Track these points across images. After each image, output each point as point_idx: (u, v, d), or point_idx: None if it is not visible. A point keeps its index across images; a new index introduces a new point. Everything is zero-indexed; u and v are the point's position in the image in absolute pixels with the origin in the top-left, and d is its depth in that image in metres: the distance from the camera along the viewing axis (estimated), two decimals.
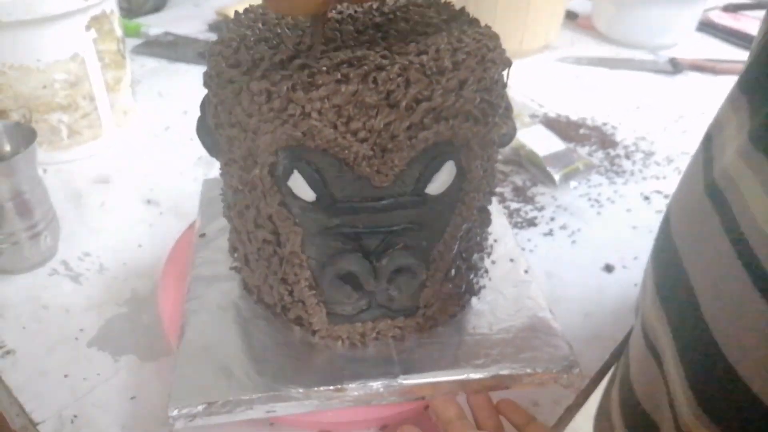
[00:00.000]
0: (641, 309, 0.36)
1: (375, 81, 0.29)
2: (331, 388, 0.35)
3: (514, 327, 0.39)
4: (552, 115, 0.77)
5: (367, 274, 0.33)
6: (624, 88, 0.85)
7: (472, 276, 0.41)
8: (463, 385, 0.36)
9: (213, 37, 0.97)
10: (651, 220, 0.60)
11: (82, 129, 0.66)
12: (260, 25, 0.35)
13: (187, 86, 0.83)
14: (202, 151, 0.68)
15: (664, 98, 0.82)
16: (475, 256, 0.40)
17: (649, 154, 0.70)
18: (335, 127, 0.29)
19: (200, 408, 0.33)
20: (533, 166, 0.65)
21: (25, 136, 0.50)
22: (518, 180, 0.64)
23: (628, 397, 0.37)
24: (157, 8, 1.18)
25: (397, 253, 0.33)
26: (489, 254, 0.44)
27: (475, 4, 0.87)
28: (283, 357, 0.37)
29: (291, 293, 0.36)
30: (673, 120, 0.77)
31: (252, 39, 0.34)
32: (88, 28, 0.62)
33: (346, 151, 0.30)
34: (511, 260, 0.45)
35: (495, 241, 0.46)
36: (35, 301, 0.49)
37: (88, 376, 0.43)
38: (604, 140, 0.72)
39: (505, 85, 0.35)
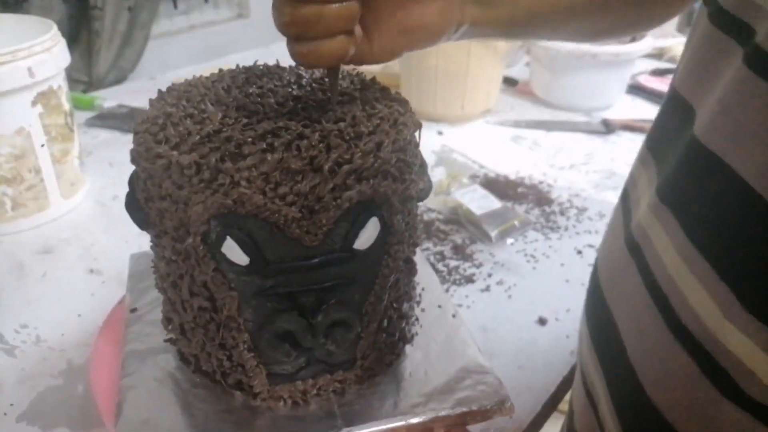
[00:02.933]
0: (579, 356, 0.38)
1: (298, 148, 0.32)
2: None
3: (447, 370, 0.41)
4: (492, 175, 0.80)
5: (304, 331, 0.35)
6: (559, 147, 0.90)
7: (404, 324, 0.42)
8: (407, 430, 0.37)
9: None
10: (583, 273, 0.62)
11: (27, 201, 0.66)
12: (184, 102, 0.37)
13: None
14: None
15: (596, 157, 0.87)
16: (405, 305, 0.42)
17: (582, 210, 0.73)
18: (264, 193, 0.31)
19: None
20: (471, 225, 0.67)
21: None
22: (458, 238, 0.67)
23: None
24: (118, 81, 1.22)
25: (332, 308, 0.35)
26: (418, 302, 0.46)
27: (417, 74, 0.92)
28: (225, 424, 0.37)
29: (230, 358, 0.37)
30: (605, 177, 0.82)
31: (177, 116, 0.36)
32: (34, 103, 0.64)
33: (276, 215, 0.32)
34: (439, 306, 0.47)
35: (423, 289, 0.47)
36: None
37: None
38: (540, 198, 0.75)
39: (417, 145, 0.38)
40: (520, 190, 0.77)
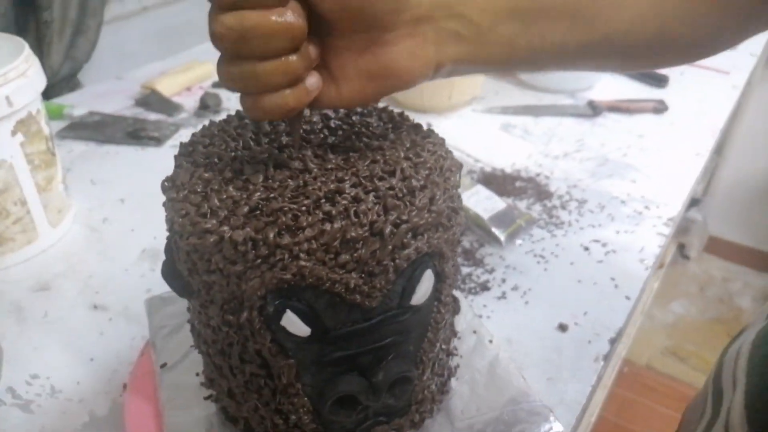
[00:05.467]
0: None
1: (357, 215, 0.30)
2: None
3: (497, 403, 0.41)
4: (488, 169, 0.80)
5: (365, 391, 0.34)
6: (550, 133, 0.90)
7: (450, 361, 0.42)
8: None
9: (141, 113, 0.96)
10: (593, 272, 0.63)
11: (14, 235, 0.63)
12: (216, 161, 0.35)
13: (120, 170, 0.81)
14: (146, 243, 0.67)
15: (587, 142, 0.87)
16: (452, 340, 0.42)
17: (582, 202, 0.74)
18: (324, 263, 0.30)
19: None
20: (478, 228, 0.67)
21: None
22: (466, 242, 0.66)
23: None
24: (72, 73, 1.15)
25: (390, 364, 0.34)
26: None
27: None
28: None
29: (286, 421, 0.36)
30: (599, 164, 0.82)
31: (216, 181, 0.33)
32: (14, 133, 0.60)
33: (337, 285, 0.31)
34: (474, 332, 0.47)
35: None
36: None
37: None
38: (539, 192, 0.76)
39: (458, 185, 0.37)
40: (518, 184, 0.77)
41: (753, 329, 0.40)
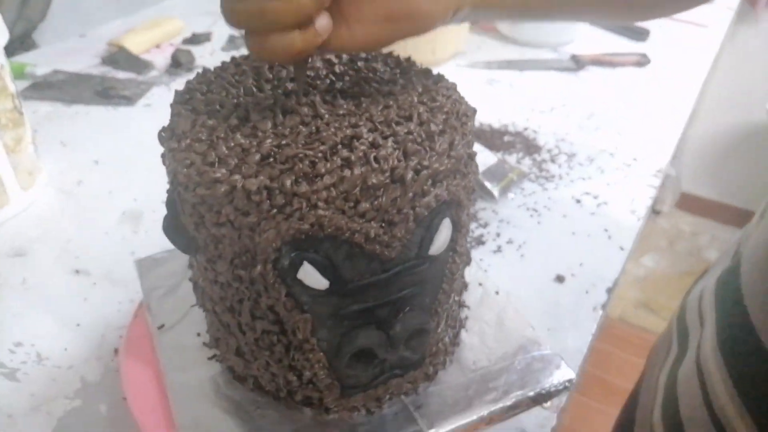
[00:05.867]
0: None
1: (377, 160, 0.29)
2: None
3: (508, 353, 0.40)
4: (476, 124, 0.78)
5: (383, 344, 0.33)
6: (535, 88, 0.88)
7: (461, 313, 0.42)
8: (485, 420, 0.37)
9: (109, 71, 0.91)
10: (586, 224, 0.63)
11: None
12: (219, 107, 0.32)
13: (91, 131, 0.77)
14: (125, 206, 0.64)
15: (573, 96, 0.87)
16: (463, 293, 0.41)
17: (571, 156, 0.73)
18: (344, 212, 0.29)
19: None
20: None
21: None
22: None
23: None
24: (26, 34, 1.09)
25: (407, 317, 0.33)
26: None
27: None
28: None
29: (300, 377, 0.35)
30: (586, 117, 0.82)
31: (222, 129, 0.30)
32: None
33: (357, 234, 0.29)
34: (480, 284, 0.46)
35: None
36: None
37: None
38: (528, 146, 0.75)
39: (473, 131, 0.36)
40: (506, 138, 0.76)
41: (716, 269, 0.41)
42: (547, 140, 0.76)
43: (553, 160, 0.72)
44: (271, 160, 0.28)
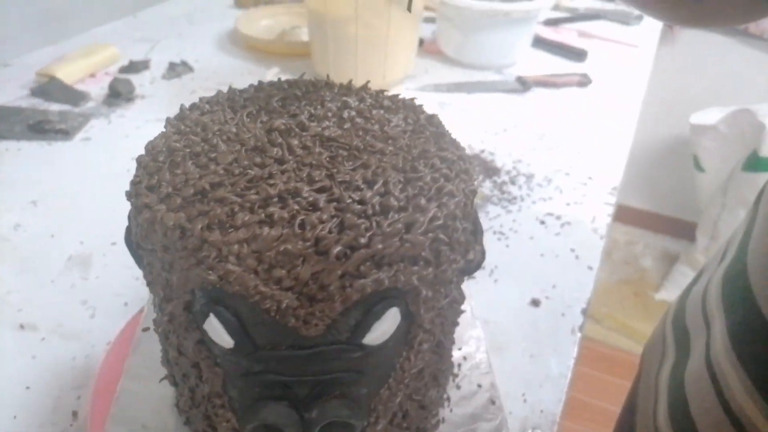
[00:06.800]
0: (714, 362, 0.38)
1: (302, 225, 0.26)
2: None
3: None
4: None
5: (293, 426, 0.29)
6: (486, 110, 0.90)
7: (426, 416, 0.36)
8: None
9: (40, 103, 0.85)
10: (554, 244, 0.63)
11: None
12: (199, 131, 0.30)
13: (26, 169, 0.71)
14: (72, 249, 0.60)
15: (522, 117, 0.88)
16: (432, 393, 0.36)
17: (529, 177, 0.74)
18: (256, 273, 0.25)
19: None
20: None
21: None
22: None
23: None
24: None
25: (330, 404, 0.29)
26: (456, 375, 0.40)
27: (335, 44, 0.86)
28: None
29: (214, 430, 0.32)
30: (537, 138, 0.83)
31: (181, 154, 0.29)
32: None
33: (268, 301, 0.26)
34: (479, 386, 0.40)
35: (464, 359, 0.41)
36: None
37: None
38: (487, 168, 0.75)
39: (470, 214, 0.32)
40: None
41: (710, 272, 0.42)
42: (504, 162, 0.77)
43: (512, 182, 0.73)
44: (200, 197, 0.26)
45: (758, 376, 0.32)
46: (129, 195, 0.29)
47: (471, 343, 0.42)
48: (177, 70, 0.96)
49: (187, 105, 0.34)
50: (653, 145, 1.85)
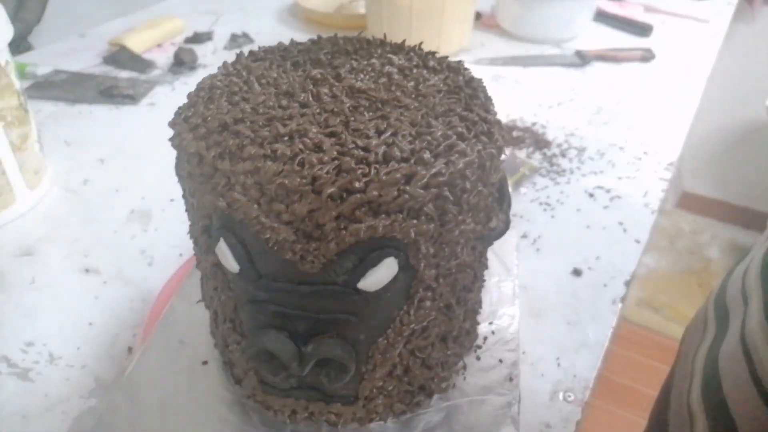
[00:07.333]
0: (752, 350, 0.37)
1: (302, 163, 0.26)
2: None
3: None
4: None
5: (290, 356, 0.30)
6: (541, 84, 0.88)
7: (431, 376, 0.36)
8: None
9: (111, 71, 0.90)
10: (601, 217, 0.62)
11: None
12: (245, 73, 0.33)
13: (95, 130, 0.76)
14: (134, 204, 0.64)
15: (579, 91, 0.86)
16: (438, 354, 0.35)
17: (581, 150, 0.73)
18: (258, 204, 0.27)
19: None
20: None
21: None
22: None
23: None
24: (22, 36, 1.07)
25: (326, 342, 0.30)
26: (479, 347, 0.40)
27: (389, 15, 0.87)
28: (218, 404, 0.36)
29: (231, 352, 0.35)
30: (593, 112, 0.81)
31: (219, 92, 0.32)
32: None
33: (268, 232, 0.27)
34: (500, 361, 0.39)
35: (493, 333, 0.40)
36: None
37: None
38: (537, 140, 0.74)
39: (498, 180, 0.32)
40: (515, 134, 0.76)
41: (757, 251, 0.41)
42: (556, 135, 0.76)
43: (563, 155, 0.72)
44: (220, 130, 0.28)
45: None
46: (171, 124, 0.32)
47: (504, 319, 0.42)
48: (238, 41, 0.99)
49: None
50: (724, 129, 1.76)
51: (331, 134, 0.28)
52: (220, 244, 0.29)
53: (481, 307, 0.41)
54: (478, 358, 0.39)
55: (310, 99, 0.30)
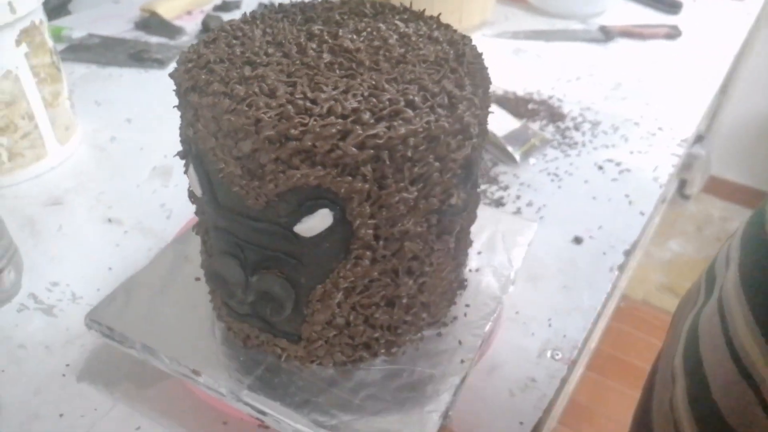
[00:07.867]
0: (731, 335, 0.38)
1: (250, 105, 0.28)
2: (190, 367, 0.37)
3: (387, 408, 0.35)
4: (500, 92, 0.79)
5: (236, 283, 0.34)
6: (562, 59, 0.88)
7: (376, 335, 0.37)
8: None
9: (141, 36, 0.93)
10: (608, 189, 0.63)
11: (23, 150, 0.62)
12: (258, 22, 0.37)
13: (124, 92, 0.79)
14: (156, 161, 0.67)
15: (600, 66, 0.86)
16: (381, 317, 0.36)
17: (595, 124, 0.73)
18: (216, 138, 0.30)
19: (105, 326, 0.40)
20: (493, 147, 0.66)
21: None
22: None
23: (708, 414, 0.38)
24: (62, 4, 1.11)
25: (269, 277, 0.33)
26: (435, 323, 0.40)
27: None
28: (188, 322, 0.41)
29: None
30: (612, 88, 0.81)
31: (224, 35, 0.35)
32: (18, 42, 0.58)
33: (221, 163, 0.30)
34: (460, 342, 0.39)
35: (465, 315, 0.41)
36: (9, 341, 0.47)
37: (85, 412, 0.42)
38: (552, 113, 0.75)
39: (462, 158, 0.32)
40: (531, 106, 0.76)
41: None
42: (571, 109, 0.76)
43: (576, 128, 0.72)
44: (201, 66, 0.32)
45: (760, 312, 0.32)
46: (177, 60, 0.35)
47: (482, 308, 0.42)
48: None
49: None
50: (756, 115, 1.71)
51: (291, 84, 0.30)
52: (189, 169, 0.33)
53: (460, 287, 0.43)
54: (439, 335, 0.40)
55: (293, 51, 0.33)
